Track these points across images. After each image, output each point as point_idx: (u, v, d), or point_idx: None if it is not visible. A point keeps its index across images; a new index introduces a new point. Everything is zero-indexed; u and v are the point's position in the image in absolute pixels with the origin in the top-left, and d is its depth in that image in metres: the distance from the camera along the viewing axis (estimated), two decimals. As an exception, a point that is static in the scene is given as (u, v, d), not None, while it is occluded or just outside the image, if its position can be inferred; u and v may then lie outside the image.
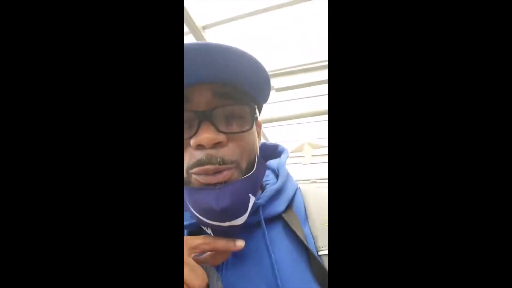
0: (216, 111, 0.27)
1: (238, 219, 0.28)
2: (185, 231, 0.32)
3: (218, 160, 0.26)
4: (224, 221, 0.27)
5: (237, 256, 0.30)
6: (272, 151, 0.37)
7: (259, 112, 0.32)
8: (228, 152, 0.27)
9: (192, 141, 0.26)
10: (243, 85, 0.28)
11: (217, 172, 0.27)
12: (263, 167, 0.31)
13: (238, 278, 0.28)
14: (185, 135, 0.27)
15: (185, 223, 0.31)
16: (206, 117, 0.26)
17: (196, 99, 0.27)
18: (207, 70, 0.26)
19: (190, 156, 0.27)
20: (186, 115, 0.27)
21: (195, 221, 0.30)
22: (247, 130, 0.29)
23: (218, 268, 0.30)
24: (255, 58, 0.27)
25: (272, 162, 0.36)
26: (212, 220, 0.27)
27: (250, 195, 0.28)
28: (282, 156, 0.36)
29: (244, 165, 0.28)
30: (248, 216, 0.29)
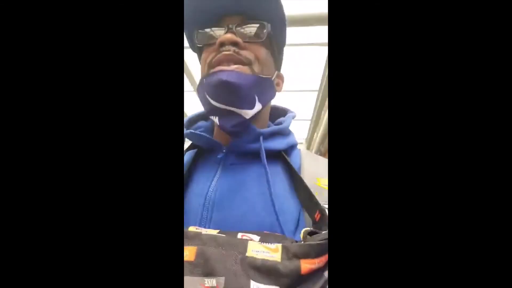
0: (238, 25, 0.34)
1: (244, 110, 0.33)
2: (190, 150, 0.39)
3: (235, 50, 0.33)
4: (232, 104, 0.32)
5: (234, 168, 0.35)
6: (282, 111, 0.43)
7: (275, 37, 0.38)
8: (245, 52, 0.34)
9: (217, 41, 0.33)
10: (267, 19, 0.36)
11: (232, 61, 0.33)
12: (270, 85, 0.37)
13: (230, 186, 0.33)
14: (211, 46, 0.34)
15: (200, 133, 0.36)
16: (231, 29, 0.34)
17: (228, 19, 0.35)
18: (240, 2, 0.34)
19: (213, 55, 0.34)
20: (218, 31, 0.35)
21: (209, 136, 0.36)
22: (260, 40, 0.35)
23: (211, 176, 0.35)
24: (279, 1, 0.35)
25: (280, 119, 0.41)
26: (220, 102, 0.32)
27: (255, 96, 0.33)
28: (289, 114, 0.41)
29: (256, 68, 0.35)
30: (250, 142, 0.34)
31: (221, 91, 0.32)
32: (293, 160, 0.37)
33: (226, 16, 0.36)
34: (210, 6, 0.35)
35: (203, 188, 0.34)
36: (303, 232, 0.27)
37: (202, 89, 0.35)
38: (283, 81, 0.42)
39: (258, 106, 0.34)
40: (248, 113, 0.33)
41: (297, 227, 0.31)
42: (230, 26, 0.34)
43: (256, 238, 0.26)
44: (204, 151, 0.38)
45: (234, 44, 0.33)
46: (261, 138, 0.34)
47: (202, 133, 0.36)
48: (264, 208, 0.31)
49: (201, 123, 0.41)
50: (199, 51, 0.39)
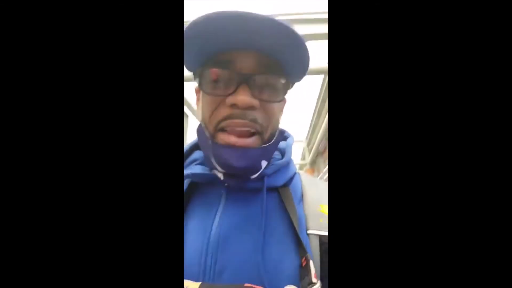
0: (256, 77, 0.29)
1: (249, 175, 0.33)
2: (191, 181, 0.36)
3: (250, 119, 0.30)
4: (237, 175, 0.32)
5: (234, 210, 0.33)
6: (280, 134, 0.40)
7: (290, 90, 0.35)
8: (260, 116, 0.31)
9: (228, 99, 0.29)
10: (284, 61, 0.31)
11: (244, 135, 0.30)
12: (279, 139, 0.36)
13: (231, 230, 0.32)
14: (221, 92, 0.30)
15: (200, 172, 0.35)
16: (246, 81, 0.29)
17: (240, 61, 0.30)
18: (255, 36, 0.28)
19: (222, 111, 0.30)
20: (226, 74, 0.30)
21: (207, 172, 0.34)
22: (279, 101, 0.32)
23: (214, 211, 0.33)
24: (303, 40, 0.28)
25: (280, 143, 0.39)
26: (227, 172, 0.32)
27: (263, 161, 0.33)
28: (289, 140, 0.40)
29: (267, 135, 0.32)
30: (253, 181, 0.33)
31: (230, 169, 0.32)
32: (295, 188, 0.36)
33: (235, 52, 0.30)
34: (217, 41, 0.29)
35: (206, 225, 0.32)
36: None
37: (206, 145, 0.32)
38: (285, 105, 0.39)
39: (263, 166, 0.33)
40: (253, 176, 0.33)
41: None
42: (247, 75, 0.29)
43: None
44: (201, 183, 0.36)
45: (250, 108, 0.29)
46: (264, 179, 0.34)
47: (203, 171, 0.35)
48: (259, 253, 0.30)
49: (196, 154, 0.39)
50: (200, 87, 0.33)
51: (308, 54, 0.30)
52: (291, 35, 0.28)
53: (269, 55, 0.31)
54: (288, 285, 0.27)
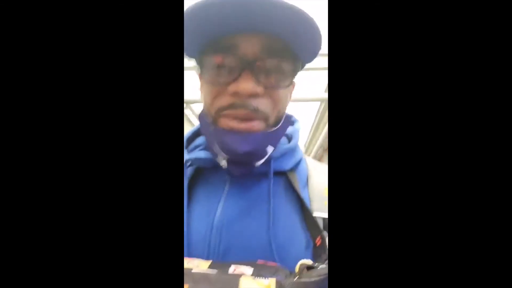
0: (260, 63, 0.28)
1: (254, 162, 0.31)
2: (194, 166, 0.35)
3: (253, 108, 0.28)
4: (242, 162, 0.31)
5: (238, 194, 0.33)
6: (286, 119, 0.39)
7: (301, 70, 0.33)
8: (264, 103, 0.29)
9: (230, 87, 0.28)
10: (293, 42, 0.29)
11: (247, 119, 0.29)
12: (286, 125, 0.34)
13: (235, 212, 0.31)
14: (223, 79, 0.28)
15: (204, 157, 0.33)
16: (249, 67, 0.27)
17: (244, 46, 0.27)
18: (260, 20, 0.26)
19: (224, 99, 0.29)
20: (229, 60, 0.28)
21: (210, 156, 0.33)
22: (285, 87, 0.30)
23: (218, 197, 0.33)
24: (311, 18, 0.27)
25: (288, 129, 0.38)
26: (231, 157, 0.31)
27: (269, 147, 0.31)
28: (296, 124, 0.39)
29: (272, 119, 0.31)
30: (259, 167, 0.32)
31: (235, 156, 0.30)
32: (301, 173, 0.36)
33: (238, 36, 0.28)
34: (217, 22, 0.27)
35: (211, 209, 0.32)
36: (299, 266, 0.26)
37: (208, 131, 0.32)
38: (294, 87, 0.37)
39: (269, 151, 0.32)
40: (259, 162, 0.32)
41: (306, 247, 0.30)
42: (251, 61, 0.27)
43: (249, 271, 0.25)
44: (205, 168, 0.35)
45: (253, 95, 0.28)
46: (271, 162, 0.33)
47: (207, 156, 0.33)
48: (266, 232, 0.30)
49: (199, 140, 0.38)
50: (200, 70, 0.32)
51: (320, 32, 0.28)
52: (299, 14, 0.26)
53: (276, 37, 0.28)
54: (301, 260, 0.26)
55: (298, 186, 0.33)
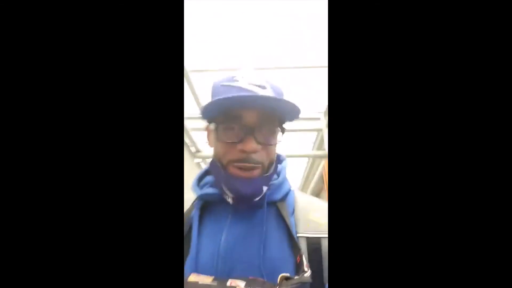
0: (258, 128, 0.41)
1: (254, 198, 0.43)
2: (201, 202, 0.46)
3: (255, 161, 0.41)
4: (245, 198, 0.42)
5: (239, 222, 0.43)
6: (276, 160, 0.51)
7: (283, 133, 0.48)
8: (261, 156, 0.42)
9: (238, 146, 0.40)
10: (280, 115, 0.43)
11: (248, 169, 0.41)
12: (276, 166, 0.47)
13: (237, 238, 0.41)
14: (231, 139, 0.41)
15: (212, 192, 0.45)
16: (250, 132, 0.40)
17: (246, 118, 0.41)
18: (258, 104, 0.41)
19: (232, 154, 0.41)
20: (237, 128, 0.41)
21: (218, 192, 0.44)
22: (275, 144, 0.44)
23: (222, 226, 0.43)
24: (296, 105, 0.40)
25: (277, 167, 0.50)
26: (236, 196, 0.42)
27: (264, 187, 0.43)
28: (284, 162, 0.51)
29: (266, 165, 0.43)
30: (258, 200, 0.43)
31: (240, 196, 0.41)
32: (289, 202, 0.47)
33: (241, 111, 0.41)
34: (231, 106, 0.41)
35: (216, 235, 0.42)
36: (280, 278, 0.34)
37: (219, 175, 0.43)
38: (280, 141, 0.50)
39: (264, 189, 0.43)
40: (257, 199, 0.43)
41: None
42: (251, 127, 0.40)
43: (242, 284, 0.33)
44: (212, 203, 0.46)
45: (253, 152, 0.41)
46: (265, 196, 0.43)
47: (214, 192, 0.45)
48: (259, 254, 0.40)
49: (208, 178, 0.49)
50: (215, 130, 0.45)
51: (298, 108, 0.41)
52: (285, 103, 0.40)
53: (267, 111, 0.42)
54: (282, 273, 0.34)
55: (287, 213, 0.43)
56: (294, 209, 0.45)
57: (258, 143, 0.40)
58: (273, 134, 0.43)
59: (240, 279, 0.34)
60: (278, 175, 0.48)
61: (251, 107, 0.41)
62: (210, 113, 0.43)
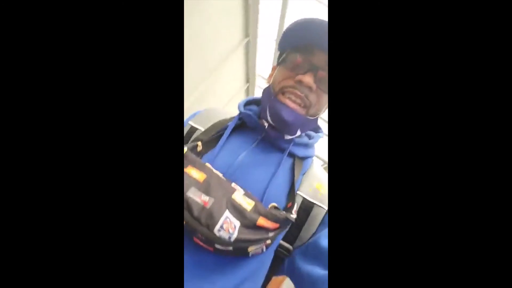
0: (320, 71, 0.42)
1: (287, 134, 0.46)
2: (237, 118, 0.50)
3: (305, 93, 0.43)
4: (280, 129, 0.45)
5: (260, 152, 0.46)
6: (315, 127, 0.54)
7: None
8: (312, 97, 0.43)
9: (297, 77, 0.42)
10: None
11: (296, 103, 0.43)
12: (315, 123, 0.49)
13: (253, 162, 0.45)
14: (294, 70, 0.43)
15: (251, 114, 0.47)
16: (313, 70, 0.42)
17: (317, 56, 0.42)
18: (325, 41, 0.40)
19: (288, 82, 0.43)
20: (305, 61, 0.42)
21: (256, 119, 0.47)
22: (326, 92, 0.45)
23: (246, 147, 0.47)
24: None
25: (311, 132, 0.53)
26: (273, 123, 0.45)
27: (299, 129, 0.46)
28: (320, 133, 0.54)
29: (311, 111, 0.45)
30: (283, 142, 0.47)
31: (277, 121, 0.44)
32: (305, 164, 0.49)
33: (315, 49, 0.42)
34: (307, 37, 0.42)
35: (237, 152, 0.45)
36: (271, 205, 0.40)
37: (267, 99, 0.46)
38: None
39: (298, 133, 0.46)
40: (288, 136, 0.46)
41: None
42: (316, 67, 0.42)
43: (242, 191, 0.39)
44: (246, 126, 0.49)
45: (309, 88, 0.42)
46: (291, 143, 0.47)
47: (254, 116, 0.48)
48: (264, 184, 0.44)
49: (254, 107, 0.52)
50: (282, 59, 0.47)
51: None
52: None
53: None
54: (272, 203, 0.40)
55: (300, 171, 0.47)
56: (306, 172, 0.49)
57: (316, 82, 0.42)
58: (327, 84, 0.43)
59: (241, 187, 0.40)
60: (310, 139, 0.51)
61: (324, 48, 0.41)
62: (288, 40, 0.44)
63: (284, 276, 0.48)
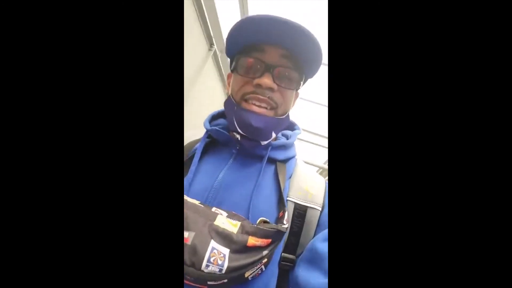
0: (277, 68, 0.40)
1: (261, 141, 0.42)
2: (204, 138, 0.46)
3: (268, 96, 0.40)
4: (253, 137, 0.42)
5: (238, 167, 0.43)
6: (290, 124, 0.52)
7: (303, 84, 0.45)
8: (277, 97, 0.41)
9: (255, 81, 0.40)
10: (301, 58, 0.41)
11: (262, 106, 0.40)
12: (287, 121, 0.46)
13: (233, 179, 0.42)
14: (250, 75, 0.40)
15: (221, 131, 0.44)
16: (270, 69, 0.39)
17: (268, 54, 0.40)
18: (283, 37, 0.38)
19: (248, 88, 0.41)
20: (257, 62, 0.40)
21: (227, 134, 0.44)
22: (291, 89, 0.42)
23: (223, 165, 0.43)
24: (319, 43, 0.39)
25: (287, 131, 0.50)
26: (244, 133, 0.41)
27: (273, 132, 0.42)
28: (296, 130, 0.51)
29: (279, 111, 0.42)
30: (261, 148, 0.43)
31: (248, 130, 0.41)
32: (289, 167, 0.46)
33: (264, 46, 0.40)
34: (254, 35, 0.39)
35: (215, 172, 0.42)
36: (259, 220, 0.37)
37: (231, 110, 0.42)
38: (297, 97, 0.48)
39: (273, 136, 0.43)
40: (264, 142, 0.43)
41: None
42: (272, 65, 0.39)
43: (225, 214, 0.36)
44: (218, 143, 0.46)
45: (270, 89, 0.40)
46: (269, 148, 0.43)
47: (223, 131, 0.44)
48: (249, 200, 0.40)
49: (221, 120, 0.49)
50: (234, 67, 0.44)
51: (321, 55, 0.40)
52: (310, 39, 0.38)
53: (290, 52, 0.40)
54: (261, 218, 0.37)
55: (285, 175, 0.43)
56: (292, 175, 0.45)
57: (275, 82, 0.39)
58: (293, 79, 0.42)
59: (223, 210, 0.36)
60: (287, 139, 0.48)
61: (275, 43, 0.39)
62: (234, 44, 0.42)
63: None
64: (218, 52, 1.64)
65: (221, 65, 1.78)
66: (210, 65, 1.65)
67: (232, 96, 0.43)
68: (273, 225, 0.35)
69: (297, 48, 0.39)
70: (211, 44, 1.52)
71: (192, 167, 0.41)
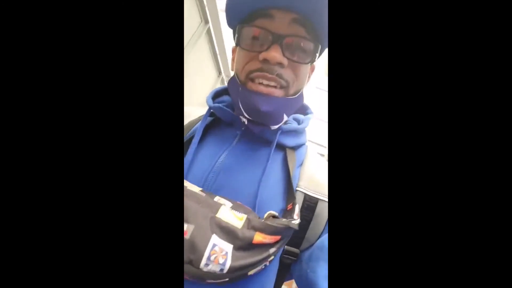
0: (287, 39, 0.32)
1: (271, 125, 0.37)
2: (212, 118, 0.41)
3: (277, 73, 0.33)
4: (262, 122, 0.36)
5: (243, 150, 0.38)
6: (302, 108, 0.45)
7: (319, 55, 0.38)
8: (287, 74, 0.34)
9: (261, 55, 0.33)
10: (317, 24, 0.34)
11: (270, 85, 0.34)
12: (301, 101, 0.39)
13: (235, 162, 0.36)
14: (256, 48, 0.34)
15: (225, 109, 0.39)
16: (278, 40, 0.32)
17: (277, 20, 0.32)
18: (296, 2, 0.31)
19: (254, 64, 0.34)
20: (263, 33, 0.33)
21: (231, 112, 0.38)
22: (305, 63, 0.35)
23: (225, 147, 0.38)
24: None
25: (299, 115, 0.43)
26: (252, 117, 0.36)
27: (284, 114, 0.36)
28: (309, 114, 0.44)
29: (291, 90, 0.36)
30: (268, 133, 0.37)
31: (256, 114, 0.35)
32: (299, 154, 0.41)
33: (272, 10, 0.32)
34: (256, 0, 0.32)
35: (215, 154, 0.37)
36: (267, 214, 0.32)
37: (236, 92, 0.36)
38: (313, 71, 0.42)
39: (284, 119, 0.37)
40: (275, 126, 0.37)
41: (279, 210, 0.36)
42: (281, 36, 0.32)
43: (229, 204, 0.31)
44: (221, 122, 0.41)
45: (279, 64, 0.33)
46: (278, 133, 0.38)
47: (227, 109, 0.39)
48: (255, 186, 0.35)
49: (226, 97, 0.43)
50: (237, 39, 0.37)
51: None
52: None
53: (303, 17, 0.33)
54: (269, 211, 0.32)
55: (294, 163, 0.38)
56: (302, 163, 0.40)
57: (286, 55, 0.33)
58: (307, 50, 0.34)
59: (227, 199, 0.32)
60: (299, 124, 0.42)
61: (285, 6, 0.32)
62: (235, 11, 0.34)
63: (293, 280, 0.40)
64: (211, 29, 1.46)
65: (214, 41, 1.58)
66: (202, 40, 1.46)
67: (236, 74, 0.37)
68: (283, 221, 0.31)
69: (311, 11, 0.32)
70: (205, 21, 1.37)
71: (191, 148, 0.35)
